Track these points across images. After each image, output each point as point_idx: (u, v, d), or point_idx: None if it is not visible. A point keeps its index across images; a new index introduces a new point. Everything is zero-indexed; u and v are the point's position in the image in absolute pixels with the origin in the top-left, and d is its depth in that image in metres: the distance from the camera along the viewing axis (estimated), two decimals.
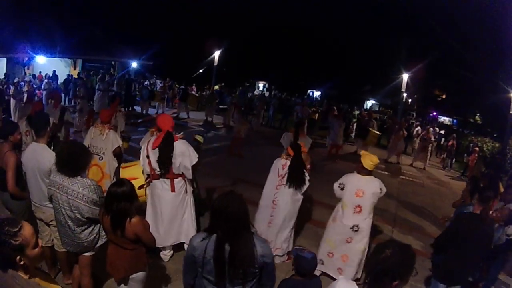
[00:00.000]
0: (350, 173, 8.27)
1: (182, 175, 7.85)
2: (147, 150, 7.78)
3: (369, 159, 7.80)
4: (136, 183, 7.45)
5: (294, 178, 8.51)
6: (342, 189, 8.02)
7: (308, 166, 9.14)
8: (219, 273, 4.08)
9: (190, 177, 8.04)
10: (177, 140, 7.75)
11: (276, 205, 8.66)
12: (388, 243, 3.59)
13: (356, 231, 7.92)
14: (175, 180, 7.82)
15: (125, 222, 5.08)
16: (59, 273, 7.16)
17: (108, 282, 7.04)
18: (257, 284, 4.31)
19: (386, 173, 20.44)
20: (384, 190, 7.97)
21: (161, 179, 7.83)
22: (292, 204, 8.68)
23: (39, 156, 6.44)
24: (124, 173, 8.34)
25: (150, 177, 7.92)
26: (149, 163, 7.76)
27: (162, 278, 7.58)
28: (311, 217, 11.72)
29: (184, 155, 7.67)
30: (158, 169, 7.71)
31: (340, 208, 8.14)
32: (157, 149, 7.60)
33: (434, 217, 14.14)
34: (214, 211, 4.12)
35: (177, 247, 8.41)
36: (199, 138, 9.57)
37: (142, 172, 8.08)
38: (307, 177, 8.69)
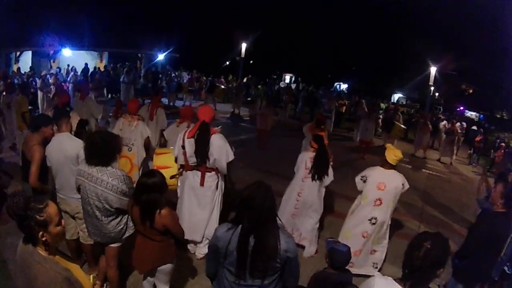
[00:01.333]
0: (373, 166, 8.23)
1: (216, 169, 7.77)
2: (183, 140, 7.70)
3: (392, 154, 7.77)
4: (169, 172, 7.48)
5: (318, 170, 8.59)
6: (364, 181, 8.00)
7: (331, 158, 9.14)
8: (241, 265, 4.03)
9: (225, 173, 7.99)
10: (214, 133, 7.67)
11: (301, 197, 8.73)
12: (421, 236, 3.50)
13: (373, 223, 7.93)
14: (207, 174, 7.74)
15: (154, 213, 5.09)
16: (84, 265, 7.16)
17: (134, 273, 7.07)
18: (279, 279, 4.25)
19: (412, 167, 20.37)
20: (407, 186, 7.93)
21: (193, 171, 7.77)
22: (317, 197, 8.77)
23: (65, 144, 6.51)
24: (157, 161, 8.31)
25: (184, 168, 7.89)
26: (184, 153, 7.70)
27: (189, 269, 7.61)
28: (337, 210, 11.71)
29: (221, 151, 7.58)
30: (193, 161, 7.66)
31: (360, 200, 8.15)
32: (192, 139, 7.54)
33: (460, 213, 14.07)
34: (241, 201, 4.05)
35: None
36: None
37: (175, 161, 8.04)
38: (331, 171, 8.77)
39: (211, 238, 4.30)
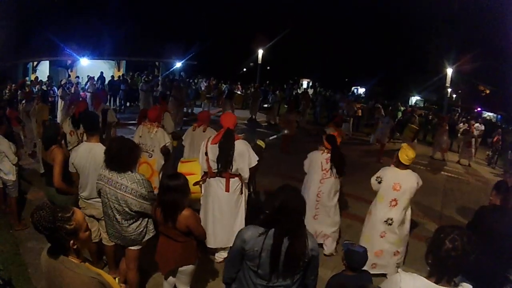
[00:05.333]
0: (388, 166, 8.29)
1: (239, 175, 7.81)
2: (206, 146, 7.79)
3: (404, 154, 7.76)
4: (193, 179, 7.51)
5: (339, 169, 8.79)
6: (379, 182, 8.03)
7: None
8: (274, 267, 4.09)
9: (246, 180, 7.98)
10: (238, 139, 7.74)
11: (321, 197, 8.84)
12: (447, 228, 3.47)
13: (390, 224, 7.95)
14: (231, 180, 7.79)
15: (176, 214, 5.21)
16: (104, 267, 7.27)
17: (154, 276, 7.19)
18: (303, 278, 4.32)
19: (431, 170, 20.31)
20: (421, 183, 7.92)
21: (217, 178, 7.83)
22: (334, 195, 8.97)
23: (97, 155, 6.46)
24: (182, 168, 8.38)
25: (207, 175, 7.94)
26: (207, 160, 7.77)
27: (209, 273, 7.67)
28: (354, 213, 11.73)
29: (244, 156, 7.64)
30: (216, 167, 7.71)
31: (376, 201, 8.20)
32: (216, 145, 7.62)
33: None
34: (280, 207, 4.08)
35: None
36: (260, 143, 9.57)
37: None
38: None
39: (236, 240, 4.33)
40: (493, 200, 6.64)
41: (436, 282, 3.46)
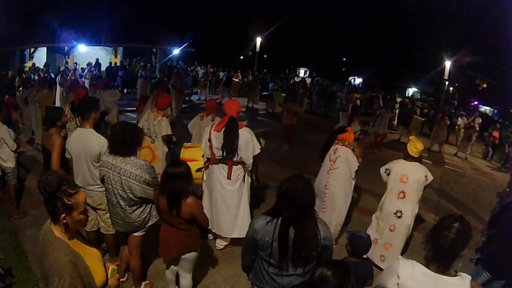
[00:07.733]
0: (393, 159, 8.27)
1: (242, 163, 7.80)
2: (210, 133, 7.75)
3: (413, 146, 7.77)
4: (195, 165, 7.55)
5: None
6: (388, 174, 8.04)
7: (359, 160, 9.12)
8: (282, 256, 4.12)
9: (250, 167, 8.00)
10: (242, 127, 7.70)
11: (328, 189, 8.68)
12: (449, 218, 3.58)
13: (399, 217, 7.91)
14: (234, 167, 7.77)
15: (180, 201, 5.20)
16: (105, 255, 7.22)
17: (155, 263, 7.23)
18: (317, 266, 4.28)
19: (428, 161, 20.29)
20: (431, 177, 7.86)
21: (220, 164, 7.82)
22: (343, 189, 8.72)
23: (86, 140, 6.47)
24: (185, 154, 8.42)
25: (210, 161, 7.94)
26: (211, 147, 7.75)
27: (210, 260, 7.70)
28: (355, 204, 11.50)
29: (248, 144, 7.62)
30: (219, 154, 7.69)
31: (386, 194, 8.18)
32: (220, 132, 7.58)
33: (475, 207, 14.03)
34: (283, 194, 4.11)
35: None
36: (262, 141, 9.53)
37: (203, 156, 8.10)
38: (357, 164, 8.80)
39: (248, 231, 4.41)
40: None
41: (434, 270, 3.53)
